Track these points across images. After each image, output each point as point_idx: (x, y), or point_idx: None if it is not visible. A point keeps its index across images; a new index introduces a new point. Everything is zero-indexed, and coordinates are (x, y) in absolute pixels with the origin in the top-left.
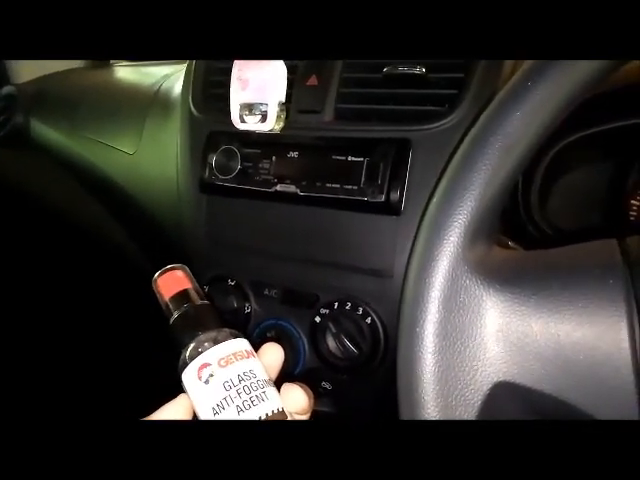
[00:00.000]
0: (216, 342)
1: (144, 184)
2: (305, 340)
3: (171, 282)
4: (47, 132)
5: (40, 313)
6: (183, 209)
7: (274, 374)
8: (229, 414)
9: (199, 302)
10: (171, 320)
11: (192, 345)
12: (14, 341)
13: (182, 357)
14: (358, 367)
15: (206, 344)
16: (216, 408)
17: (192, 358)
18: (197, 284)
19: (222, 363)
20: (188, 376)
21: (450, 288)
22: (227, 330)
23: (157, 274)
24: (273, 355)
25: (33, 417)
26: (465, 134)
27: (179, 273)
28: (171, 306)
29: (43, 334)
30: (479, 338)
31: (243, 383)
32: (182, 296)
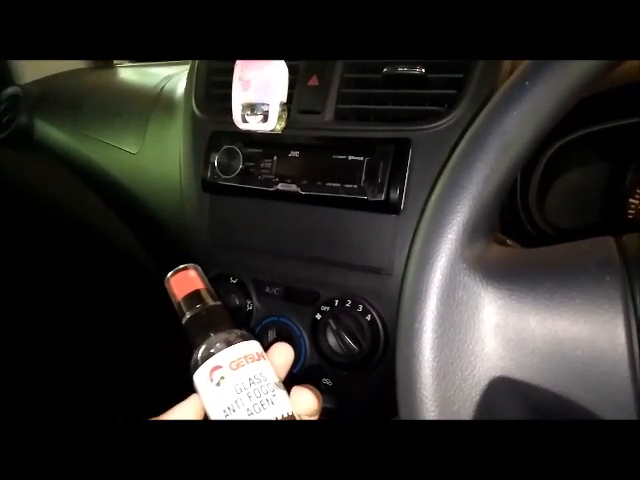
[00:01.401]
0: (228, 344)
1: (147, 184)
2: (306, 337)
3: (184, 282)
4: (51, 132)
5: (44, 313)
6: (186, 208)
7: (283, 373)
8: (239, 416)
9: (211, 303)
10: (183, 321)
11: (204, 346)
12: (19, 341)
13: (194, 358)
14: (358, 363)
15: (218, 345)
16: (227, 410)
17: (204, 359)
18: (209, 284)
19: (233, 366)
20: (200, 377)
21: (448, 285)
22: (239, 332)
23: (170, 274)
24: (283, 355)
25: (41, 417)
26: (464, 133)
27: (192, 273)
28: (183, 306)
29: (49, 333)
30: (477, 334)
31: (254, 386)
32: (194, 296)
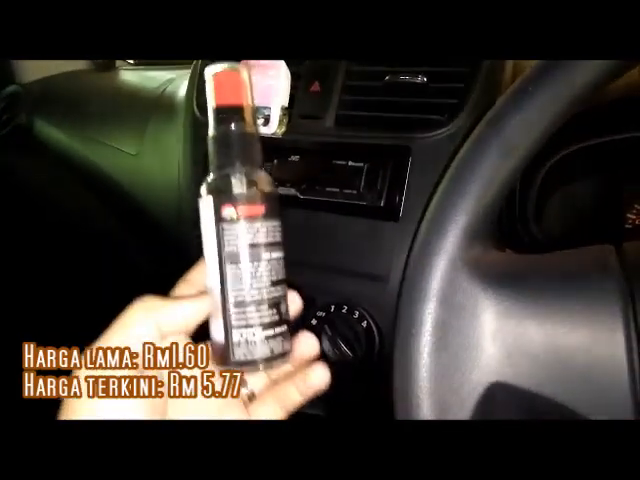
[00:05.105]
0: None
1: (146, 185)
2: None
3: (234, 86)
4: (50, 131)
5: (41, 310)
6: (184, 210)
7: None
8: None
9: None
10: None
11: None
12: (14, 335)
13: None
14: (353, 370)
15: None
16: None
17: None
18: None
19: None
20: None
21: (447, 289)
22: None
23: (218, 67)
24: (310, 347)
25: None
26: (464, 143)
27: (244, 76)
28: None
29: (44, 329)
30: (475, 339)
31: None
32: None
